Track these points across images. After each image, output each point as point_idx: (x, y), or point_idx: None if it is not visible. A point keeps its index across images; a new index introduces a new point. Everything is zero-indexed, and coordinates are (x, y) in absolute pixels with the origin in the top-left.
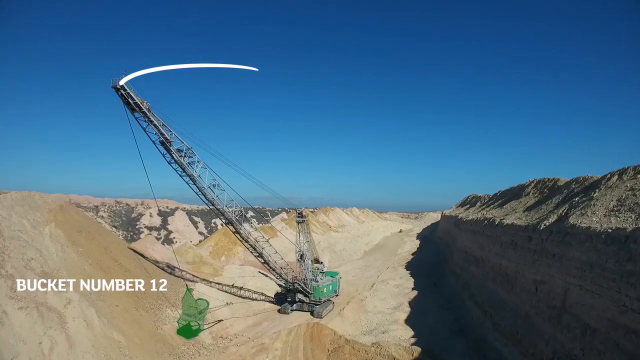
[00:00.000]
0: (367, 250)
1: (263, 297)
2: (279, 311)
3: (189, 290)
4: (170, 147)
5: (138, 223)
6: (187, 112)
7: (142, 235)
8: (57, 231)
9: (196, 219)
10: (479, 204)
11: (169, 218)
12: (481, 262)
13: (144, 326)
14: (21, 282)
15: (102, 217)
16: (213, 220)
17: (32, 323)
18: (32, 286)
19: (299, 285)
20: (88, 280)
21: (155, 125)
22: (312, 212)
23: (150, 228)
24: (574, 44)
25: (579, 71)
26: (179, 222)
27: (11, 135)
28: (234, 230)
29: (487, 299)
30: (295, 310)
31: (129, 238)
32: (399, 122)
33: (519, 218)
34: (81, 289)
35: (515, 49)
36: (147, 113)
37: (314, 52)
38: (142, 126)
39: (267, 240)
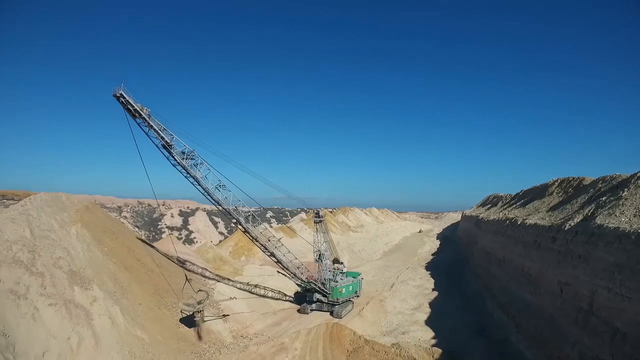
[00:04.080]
0: (387, 250)
1: (282, 297)
2: (298, 311)
3: (188, 280)
4: (172, 150)
5: (160, 223)
6: (205, 114)
7: (163, 235)
8: (83, 231)
9: (216, 219)
10: (500, 203)
11: (189, 218)
12: (503, 262)
13: (166, 324)
14: (50, 280)
15: (125, 217)
16: (233, 221)
17: (60, 319)
18: (60, 284)
19: (315, 285)
20: (112, 279)
21: (155, 130)
22: (331, 212)
23: (171, 228)
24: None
25: (607, 71)
26: (199, 223)
27: (40, 138)
28: (243, 229)
29: (510, 300)
30: (315, 310)
31: (150, 238)
32: (419, 121)
33: (542, 218)
34: (106, 287)
35: (543, 51)
36: (147, 119)
37: (334, 52)
38: (144, 131)
39: (279, 240)
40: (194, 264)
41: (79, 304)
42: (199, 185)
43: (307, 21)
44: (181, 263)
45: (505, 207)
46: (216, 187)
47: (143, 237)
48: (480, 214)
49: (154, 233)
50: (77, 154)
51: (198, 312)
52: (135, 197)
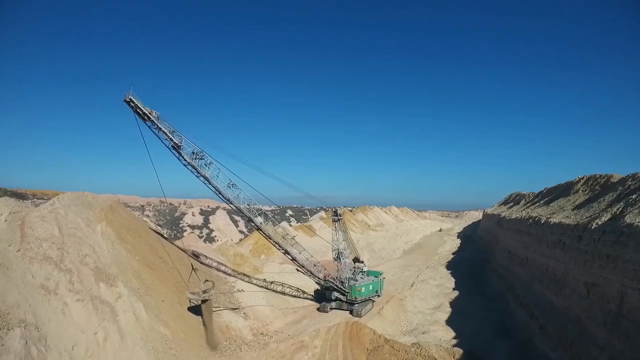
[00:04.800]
0: (406, 249)
1: (302, 295)
2: (318, 309)
3: (194, 270)
4: (181, 151)
5: (181, 222)
6: (225, 116)
7: (185, 234)
8: (107, 229)
9: (236, 218)
10: (523, 202)
11: (210, 217)
12: (526, 262)
13: (188, 321)
14: (78, 276)
15: (148, 216)
16: (246, 218)
17: (88, 314)
18: (87, 280)
19: (333, 283)
20: (136, 276)
21: (164, 132)
22: (350, 211)
23: (192, 227)
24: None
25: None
26: (220, 221)
27: (66, 140)
28: (256, 227)
29: (533, 300)
30: (335, 308)
31: (172, 236)
32: (438, 119)
33: (567, 217)
34: (130, 284)
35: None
36: (156, 121)
37: (353, 50)
38: (154, 133)
39: (293, 238)
40: (216, 264)
41: (104, 300)
42: (210, 184)
43: (330, 20)
44: (195, 257)
45: (528, 205)
46: (227, 186)
47: (165, 235)
48: (502, 212)
49: (175, 232)
50: (101, 154)
51: (204, 301)
52: (157, 197)
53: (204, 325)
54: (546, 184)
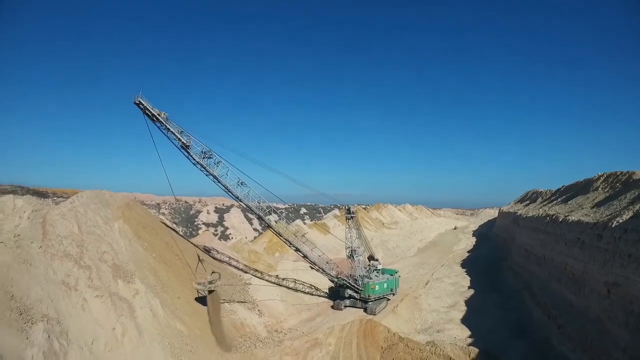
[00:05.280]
0: (421, 247)
1: (316, 292)
2: (332, 307)
3: (200, 261)
4: (189, 151)
5: (196, 220)
6: (239, 115)
7: (200, 231)
8: (125, 227)
9: (251, 215)
10: (540, 199)
11: (225, 215)
12: (543, 260)
13: (203, 318)
14: (97, 273)
15: (164, 214)
16: (267, 217)
17: (106, 310)
18: (105, 277)
19: (345, 281)
20: (153, 273)
21: (172, 132)
22: (364, 208)
23: (207, 224)
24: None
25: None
26: (234, 219)
27: (84, 138)
28: (266, 225)
29: (551, 299)
30: (349, 306)
31: (188, 234)
32: (454, 117)
33: (586, 215)
34: (147, 280)
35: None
36: (164, 122)
37: (370, 50)
38: (163, 133)
39: (304, 235)
40: (230, 262)
41: (122, 297)
42: (219, 182)
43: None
44: (206, 251)
45: (545, 203)
46: (236, 184)
47: (180, 232)
48: (518, 210)
49: (190, 229)
50: (118, 153)
51: (210, 291)
52: (172, 195)
53: (208, 314)
54: (563, 181)
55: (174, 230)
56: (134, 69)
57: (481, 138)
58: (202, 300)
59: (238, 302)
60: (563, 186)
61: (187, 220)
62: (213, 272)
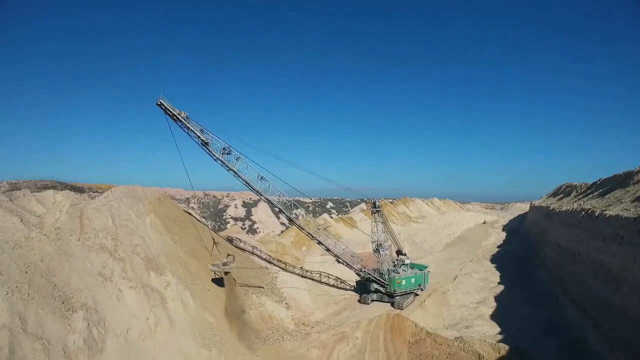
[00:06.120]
0: (449, 242)
1: (342, 284)
2: (359, 301)
3: (216, 244)
4: (209, 148)
5: (224, 214)
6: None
7: (228, 226)
8: (156, 220)
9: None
10: (574, 193)
11: (252, 209)
12: (578, 257)
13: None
14: (130, 265)
15: (193, 208)
16: (294, 212)
17: (140, 301)
18: (138, 269)
19: (370, 274)
20: (183, 266)
21: (192, 131)
22: (391, 202)
23: (235, 219)
24: None
25: None
26: (262, 213)
27: (116, 136)
28: (287, 218)
29: (586, 297)
30: (376, 300)
31: (216, 228)
32: (484, 111)
33: (625, 209)
34: (178, 273)
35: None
36: (185, 121)
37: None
38: (185, 132)
39: (326, 229)
40: (259, 255)
41: (154, 288)
42: (239, 177)
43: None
44: (230, 241)
45: (579, 197)
46: (257, 179)
47: (209, 226)
48: (550, 204)
49: (219, 223)
50: (149, 149)
51: (225, 273)
52: (201, 189)
53: (226, 296)
54: (598, 175)
55: (203, 223)
56: (167, 67)
57: (512, 130)
58: (218, 281)
59: (256, 286)
60: (600, 179)
61: (215, 215)
62: (228, 255)
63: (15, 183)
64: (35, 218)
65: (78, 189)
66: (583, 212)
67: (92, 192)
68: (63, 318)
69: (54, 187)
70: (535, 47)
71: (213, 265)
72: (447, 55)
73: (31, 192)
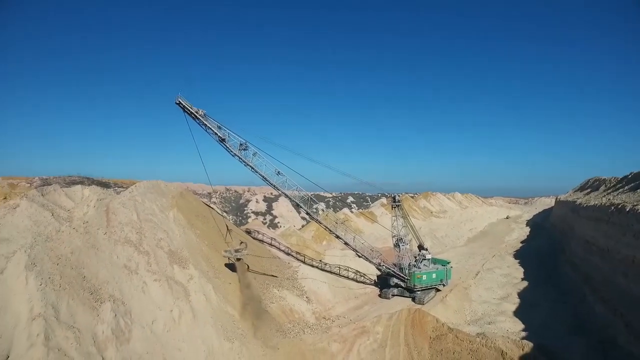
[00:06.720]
0: (471, 237)
1: (362, 277)
2: (379, 295)
3: (229, 231)
4: (227, 144)
5: (246, 209)
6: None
7: (249, 220)
8: (179, 215)
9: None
10: (603, 188)
11: (273, 204)
12: (607, 253)
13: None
14: (154, 258)
15: (214, 202)
16: (315, 206)
17: (164, 294)
18: (162, 262)
19: (389, 269)
20: (205, 259)
21: (210, 128)
22: (412, 197)
23: (256, 213)
24: None
25: None
26: (282, 208)
27: (140, 132)
28: (305, 212)
29: (616, 295)
30: (397, 295)
31: (237, 222)
32: (506, 99)
33: None
34: (200, 267)
35: None
36: (202, 119)
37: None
38: (203, 129)
39: (343, 223)
40: (280, 249)
41: (178, 281)
42: (256, 172)
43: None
44: (248, 233)
45: (609, 191)
46: (274, 174)
47: (230, 222)
48: (577, 199)
49: (240, 218)
50: (171, 144)
51: (237, 259)
52: (223, 184)
53: (239, 282)
54: (630, 169)
55: (218, 213)
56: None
57: (536, 122)
58: (231, 267)
59: (270, 275)
60: (631, 173)
61: (237, 209)
62: (241, 242)
63: (46, 179)
64: (65, 212)
65: (104, 184)
66: (613, 207)
67: (118, 187)
68: (92, 309)
69: (81, 183)
70: (567, 40)
71: (226, 251)
72: (468, 45)
73: (61, 188)
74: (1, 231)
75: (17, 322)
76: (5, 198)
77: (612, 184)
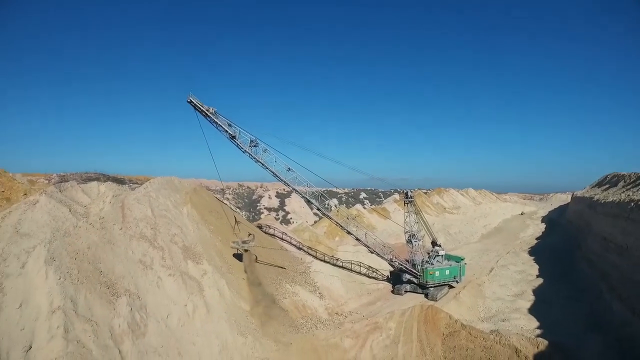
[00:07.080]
0: (485, 233)
1: (374, 274)
2: (392, 292)
3: (237, 223)
4: (237, 141)
5: (258, 204)
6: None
7: (262, 216)
8: (192, 211)
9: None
10: (621, 184)
11: (286, 200)
12: (626, 250)
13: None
14: (169, 254)
15: (227, 198)
16: (327, 202)
17: (178, 289)
18: (176, 257)
19: (402, 265)
20: (219, 255)
21: (221, 125)
22: (425, 193)
23: (269, 209)
24: None
25: None
26: (295, 204)
27: (156, 130)
28: (316, 207)
29: (635, 293)
30: (409, 291)
31: (250, 218)
32: (521, 99)
33: None
34: (214, 262)
35: None
36: (213, 117)
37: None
38: (214, 126)
39: (354, 218)
40: (292, 245)
41: (192, 276)
42: (267, 168)
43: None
44: (260, 228)
45: (628, 187)
46: (284, 170)
47: (243, 217)
48: (595, 195)
49: (253, 214)
50: (184, 139)
51: (244, 250)
52: (236, 180)
53: (245, 272)
54: None
55: (228, 207)
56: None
57: (553, 119)
58: (239, 257)
59: (278, 266)
60: None
61: (249, 205)
62: (249, 234)
63: (64, 175)
64: (82, 208)
65: (119, 181)
66: (632, 204)
67: (132, 183)
68: (109, 302)
69: (97, 179)
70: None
71: (234, 242)
72: (481, 41)
73: (78, 184)
74: (22, 226)
75: (38, 315)
76: (25, 194)
77: (631, 180)
